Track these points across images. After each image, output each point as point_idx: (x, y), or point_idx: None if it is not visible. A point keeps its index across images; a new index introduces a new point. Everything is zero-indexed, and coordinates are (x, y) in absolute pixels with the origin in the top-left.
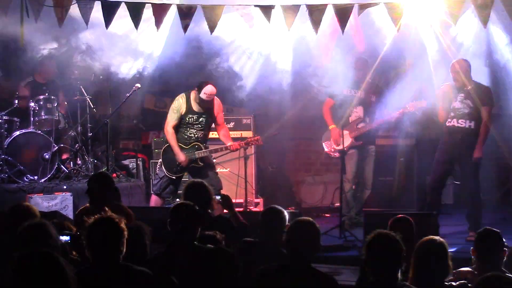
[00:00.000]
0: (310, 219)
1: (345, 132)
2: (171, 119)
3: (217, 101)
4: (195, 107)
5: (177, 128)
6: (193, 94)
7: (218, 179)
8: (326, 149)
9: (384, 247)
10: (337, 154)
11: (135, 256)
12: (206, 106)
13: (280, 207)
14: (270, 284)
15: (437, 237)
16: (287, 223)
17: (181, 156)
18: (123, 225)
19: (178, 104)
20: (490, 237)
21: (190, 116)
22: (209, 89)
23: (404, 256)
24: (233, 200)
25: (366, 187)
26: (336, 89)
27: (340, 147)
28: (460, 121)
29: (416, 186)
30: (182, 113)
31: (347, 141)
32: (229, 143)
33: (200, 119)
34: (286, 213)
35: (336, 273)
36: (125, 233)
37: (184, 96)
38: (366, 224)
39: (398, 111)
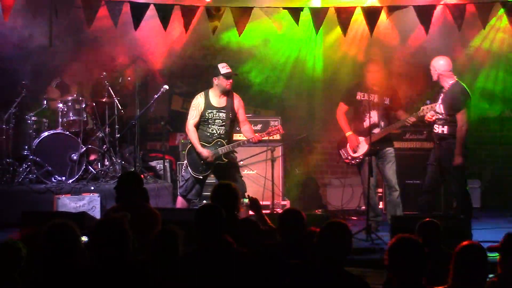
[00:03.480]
0: (343, 221)
1: (361, 139)
2: (191, 117)
3: (236, 97)
4: (214, 102)
5: (199, 126)
6: (211, 91)
7: (243, 182)
8: (342, 157)
9: (406, 252)
10: (353, 162)
11: (166, 258)
12: (228, 94)
13: (297, 209)
14: (302, 286)
15: (475, 242)
16: (305, 224)
17: (204, 152)
18: (126, 226)
19: (197, 102)
20: None
21: (210, 111)
22: (222, 64)
23: (428, 260)
24: (260, 202)
25: (392, 189)
26: (349, 93)
27: (357, 155)
28: (435, 126)
29: (444, 190)
30: (202, 110)
31: (363, 148)
32: (251, 137)
33: (220, 114)
34: (303, 214)
35: (363, 276)
36: (129, 233)
37: (203, 93)
38: (393, 228)
39: (412, 116)
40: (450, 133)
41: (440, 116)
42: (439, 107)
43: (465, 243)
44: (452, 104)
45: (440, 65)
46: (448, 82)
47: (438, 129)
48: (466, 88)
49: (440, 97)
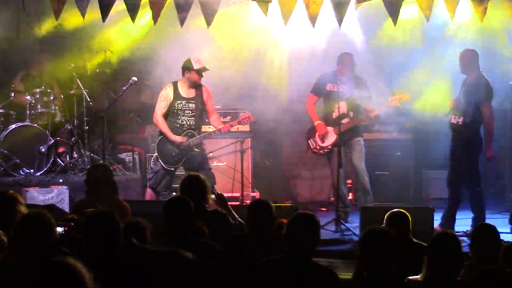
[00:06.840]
0: (310, 212)
1: (329, 129)
2: (159, 108)
3: (205, 87)
4: (183, 93)
5: (168, 117)
6: (180, 83)
7: (212, 174)
8: (311, 146)
9: (378, 244)
10: (322, 152)
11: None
12: (197, 86)
13: (266, 200)
14: (271, 277)
15: (448, 231)
16: (273, 215)
17: (178, 138)
18: (117, 218)
19: (166, 93)
20: (485, 232)
21: (179, 102)
22: (195, 57)
23: (398, 251)
24: (229, 194)
25: (360, 177)
26: (319, 84)
27: (326, 144)
28: (453, 116)
29: (413, 181)
30: (171, 101)
31: (332, 138)
32: (220, 126)
33: (190, 105)
34: (272, 205)
35: (332, 267)
36: (121, 226)
37: (171, 84)
38: (362, 219)
39: (378, 108)
40: (465, 124)
41: (459, 106)
42: (460, 98)
43: (439, 232)
44: (474, 96)
45: (467, 56)
46: (472, 75)
47: (454, 119)
48: (489, 82)
49: (463, 89)
